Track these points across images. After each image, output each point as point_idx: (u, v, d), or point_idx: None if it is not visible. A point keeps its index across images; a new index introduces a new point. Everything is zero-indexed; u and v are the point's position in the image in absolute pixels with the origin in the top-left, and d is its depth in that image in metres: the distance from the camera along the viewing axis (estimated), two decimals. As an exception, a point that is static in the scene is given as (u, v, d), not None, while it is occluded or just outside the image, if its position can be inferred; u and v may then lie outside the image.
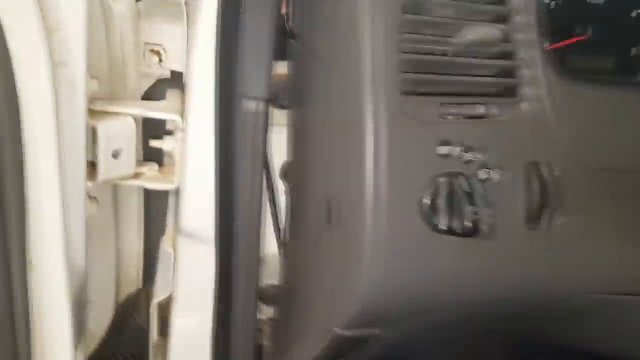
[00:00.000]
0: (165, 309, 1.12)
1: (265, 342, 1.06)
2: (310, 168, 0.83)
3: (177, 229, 1.02)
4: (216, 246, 0.99)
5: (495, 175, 0.68)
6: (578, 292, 0.75)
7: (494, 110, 0.70)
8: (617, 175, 0.75)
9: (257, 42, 0.84)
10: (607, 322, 0.78)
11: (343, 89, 0.70)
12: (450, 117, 0.69)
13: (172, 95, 1.10)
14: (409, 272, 0.70)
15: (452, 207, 0.66)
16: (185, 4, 0.98)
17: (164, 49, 1.07)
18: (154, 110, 0.97)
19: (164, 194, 1.21)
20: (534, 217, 0.70)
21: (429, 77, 0.68)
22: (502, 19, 0.72)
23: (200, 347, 1.01)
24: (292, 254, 0.95)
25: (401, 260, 0.68)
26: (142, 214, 1.20)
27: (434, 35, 0.69)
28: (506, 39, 0.71)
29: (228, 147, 0.90)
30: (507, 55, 0.72)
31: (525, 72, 0.71)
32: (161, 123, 1.05)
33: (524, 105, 0.71)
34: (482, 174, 0.68)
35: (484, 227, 0.65)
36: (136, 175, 0.99)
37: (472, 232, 0.65)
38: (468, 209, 0.65)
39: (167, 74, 1.09)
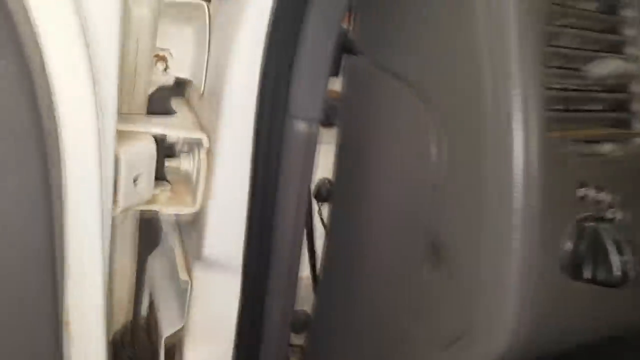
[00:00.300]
0: (173, 342, 1.02)
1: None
2: (391, 198, 0.76)
3: (197, 256, 0.92)
4: (244, 274, 0.90)
5: (621, 215, 0.65)
6: None
7: (613, 146, 0.67)
8: None
9: (316, 59, 0.75)
10: None
11: (468, 123, 0.64)
12: (585, 156, 0.64)
13: (179, 106, 0.99)
14: (548, 326, 0.65)
15: (597, 255, 0.62)
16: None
17: (170, 54, 0.95)
18: (177, 129, 0.86)
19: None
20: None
21: (571, 115, 0.64)
22: (619, 49, 0.69)
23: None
24: (341, 282, 0.88)
25: (540, 313, 0.63)
26: (137, 238, 1.09)
27: (567, 69, 0.65)
28: (625, 72, 0.68)
29: (270, 169, 0.82)
30: (622, 88, 0.69)
31: (637, 106, 0.69)
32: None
33: (637, 140, 0.69)
34: (610, 215, 0.65)
35: (631, 275, 0.62)
36: (152, 199, 0.88)
37: (620, 282, 0.61)
38: (616, 257, 0.61)
39: (171, 82, 0.98)
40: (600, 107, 0.68)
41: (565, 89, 0.64)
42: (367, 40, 0.80)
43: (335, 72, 0.82)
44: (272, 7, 0.75)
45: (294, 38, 0.75)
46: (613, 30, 0.68)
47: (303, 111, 0.79)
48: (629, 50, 0.69)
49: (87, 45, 0.66)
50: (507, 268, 0.61)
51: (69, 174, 0.64)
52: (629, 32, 0.69)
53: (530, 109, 0.58)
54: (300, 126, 0.79)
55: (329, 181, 0.91)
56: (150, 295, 1.11)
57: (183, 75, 0.97)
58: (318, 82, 0.78)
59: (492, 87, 0.60)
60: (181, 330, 0.96)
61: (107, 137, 0.73)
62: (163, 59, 0.94)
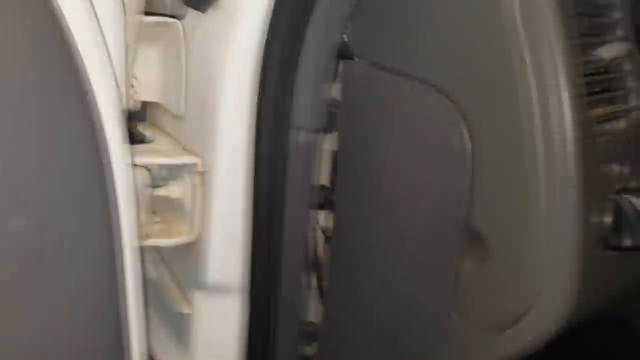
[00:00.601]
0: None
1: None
2: (412, 195, 0.76)
3: (197, 285, 0.87)
4: (251, 295, 0.87)
5: (636, 182, 0.70)
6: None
7: (622, 121, 0.72)
8: None
9: (319, 67, 0.74)
10: None
11: (495, 111, 0.65)
12: (605, 134, 0.68)
13: (148, 131, 0.93)
14: (594, 297, 0.69)
15: (633, 223, 0.66)
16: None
17: (135, 77, 0.89)
18: (168, 156, 0.81)
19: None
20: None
21: (594, 98, 0.68)
22: (612, 30, 0.73)
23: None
24: (353, 294, 0.87)
25: (586, 288, 0.66)
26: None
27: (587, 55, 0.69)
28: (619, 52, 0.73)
29: (275, 184, 0.79)
30: (618, 67, 0.74)
31: (631, 83, 0.75)
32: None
33: (635, 114, 0.75)
34: (634, 184, 0.69)
35: None
36: (146, 235, 0.83)
37: None
38: None
39: (138, 107, 0.92)
40: (599, 89, 0.73)
41: (586, 74, 0.68)
42: (364, 43, 0.79)
43: (332, 78, 0.81)
44: (268, 18, 0.73)
45: (295, 47, 0.73)
46: (605, 14, 0.73)
47: (307, 122, 0.77)
48: (619, 32, 0.74)
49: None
50: (553, 248, 0.64)
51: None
52: (617, 15, 0.74)
53: (567, 91, 0.61)
54: (305, 137, 0.78)
55: (323, 187, 0.90)
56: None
57: (151, 98, 0.91)
58: (321, 91, 0.76)
59: (523, 75, 0.62)
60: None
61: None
62: (131, 84, 0.88)
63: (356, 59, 0.79)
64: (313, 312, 0.95)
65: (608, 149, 0.69)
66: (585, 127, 0.64)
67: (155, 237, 0.84)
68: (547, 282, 0.65)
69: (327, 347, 0.95)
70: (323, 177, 0.91)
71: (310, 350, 0.97)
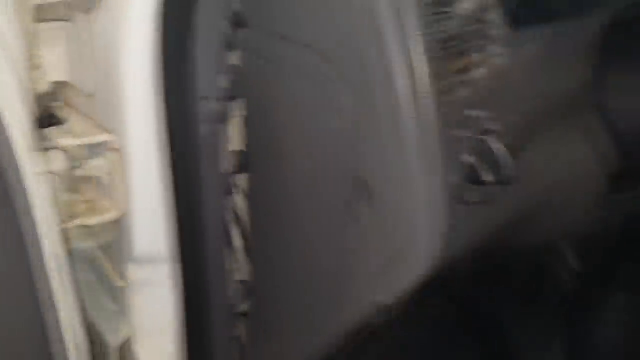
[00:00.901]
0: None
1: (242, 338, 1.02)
2: (312, 153, 0.80)
3: (128, 258, 0.90)
4: (181, 262, 0.91)
5: (497, 125, 0.76)
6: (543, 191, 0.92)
7: (482, 70, 0.77)
8: (549, 98, 0.90)
9: (214, 37, 0.76)
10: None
11: (364, 71, 0.69)
12: (464, 83, 0.74)
13: (61, 112, 0.94)
14: (465, 232, 0.75)
15: (493, 162, 0.72)
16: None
17: (42, 57, 0.89)
18: (84, 136, 0.82)
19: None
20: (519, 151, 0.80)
21: (453, 51, 0.73)
22: None
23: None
24: (274, 246, 0.91)
25: (457, 221, 0.73)
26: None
27: (444, 12, 0.73)
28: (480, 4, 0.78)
29: (190, 153, 0.82)
30: (479, 19, 0.79)
31: (494, 32, 0.79)
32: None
33: (497, 61, 0.80)
34: (492, 127, 0.75)
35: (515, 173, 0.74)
36: (73, 215, 0.84)
37: (512, 179, 0.72)
38: (505, 161, 0.72)
39: (47, 88, 0.92)
40: (462, 40, 0.78)
41: (442, 31, 0.73)
42: (256, 12, 0.82)
43: (231, 47, 0.83)
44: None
45: (190, 19, 0.75)
46: None
47: (213, 90, 0.79)
48: None
49: None
50: (421, 192, 0.71)
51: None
52: None
53: (424, 51, 0.67)
54: (212, 105, 0.80)
55: (241, 152, 0.93)
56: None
57: (60, 78, 0.92)
58: (220, 60, 0.79)
59: (379, 37, 0.68)
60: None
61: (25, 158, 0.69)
62: (37, 65, 0.88)
63: (250, 27, 0.82)
64: (244, 271, 1.00)
65: (468, 97, 0.74)
66: (441, 78, 0.70)
67: (82, 216, 0.86)
68: (419, 225, 0.71)
69: (260, 301, 1.00)
70: (240, 142, 0.94)
71: (246, 307, 1.02)
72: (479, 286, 1.60)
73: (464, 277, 1.67)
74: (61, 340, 0.67)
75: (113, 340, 0.94)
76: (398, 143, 0.70)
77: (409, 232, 0.72)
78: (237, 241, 0.97)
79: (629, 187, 1.10)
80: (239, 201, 0.95)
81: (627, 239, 1.47)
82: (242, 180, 0.94)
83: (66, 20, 0.86)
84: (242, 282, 1.00)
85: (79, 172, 0.87)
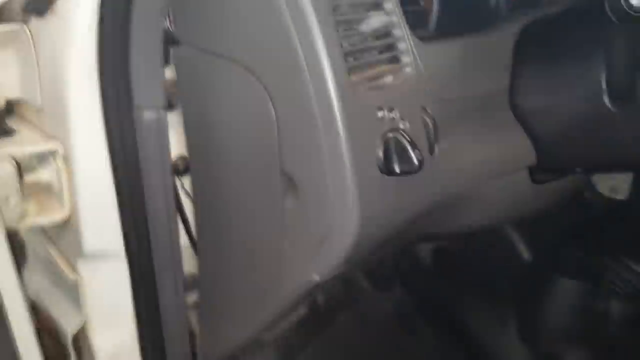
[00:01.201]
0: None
1: (195, 328, 1.11)
2: (245, 155, 0.91)
3: (79, 253, 0.99)
4: (128, 256, 1.00)
5: (407, 124, 0.88)
6: (462, 184, 1.03)
7: (392, 78, 0.90)
8: (465, 100, 1.03)
9: (149, 51, 0.85)
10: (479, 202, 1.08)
11: (285, 80, 0.82)
12: (376, 89, 0.87)
13: (14, 125, 1.03)
14: (380, 216, 0.86)
15: (400, 154, 0.83)
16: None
17: (-6, 79, 0.99)
18: (31, 145, 0.91)
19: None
20: (432, 147, 0.93)
21: (361, 62, 0.86)
22: (379, 7, 0.91)
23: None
24: (217, 239, 1.01)
25: (371, 208, 0.83)
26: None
27: (351, 29, 0.86)
28: (387, 22, 0.91)
29: (130, 158, 0.91)
30: (388, 34, 0.92)
31: (402, 45, 0.92)
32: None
33: (407, 69, 0.93)
34: (401, 125, 0.87)
35: (423, 163, 0.85)
36: (23, 216, 0.94)
37: (418, 169, 0.83)
38: (412, 153, 0.83)
39: (2, 104, 1.02)
40: (377, 53, 0.91)
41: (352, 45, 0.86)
42: (185, 29, 0.92)
43: (166, 62, 0.93)
44: (98, 12, 0.84)
45: (124, 38, 0.84)
46: None
47: (148, 100, 0.89)
48: (387, 5, 0.92)
49: None
50: (337, 182, 0.82)
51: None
52: None
53: (332, 62, 0.79)
54: (149, 114, 0.89)
55: (184, 157, 1.03)
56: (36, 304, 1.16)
57: (13, 95, 1.01)
58: (155, 72, 0.88)
59: (299, 52, 0.79)
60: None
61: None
62: (-11, 83, 0.98)
63: (181, 44, 0.92)
64: (191, 264, 1.09)
65: (378, 100, 0.85)
66: (351, 86, 0.81)
67: (33, 217, 0.95)
68: (338, 211, 0.81)
69: (207, 291, 1.09)
70: (181, 146, 1.04)
71: (193, 297, 1.12)
72: (435, 277, 1.71)
73: (421, 270, 1.78)
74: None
75: (69, 328, 1.04)
76: (315, 142, 0.81)
77: (329, 219, 0.84)
78: (182, 236, 1.06)
79: (546, 178, 1.20)
80: (183, 200, 1.05)
81: (573, 230, 1.58)
82: (184, 181, 1.05)
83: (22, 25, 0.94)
84: (190, 275, 1.09)
85: (30, 178, 0.96)
